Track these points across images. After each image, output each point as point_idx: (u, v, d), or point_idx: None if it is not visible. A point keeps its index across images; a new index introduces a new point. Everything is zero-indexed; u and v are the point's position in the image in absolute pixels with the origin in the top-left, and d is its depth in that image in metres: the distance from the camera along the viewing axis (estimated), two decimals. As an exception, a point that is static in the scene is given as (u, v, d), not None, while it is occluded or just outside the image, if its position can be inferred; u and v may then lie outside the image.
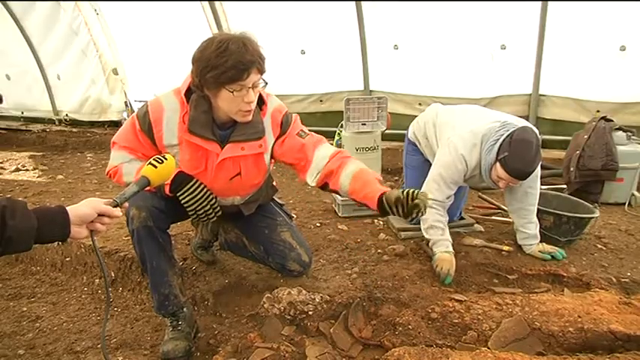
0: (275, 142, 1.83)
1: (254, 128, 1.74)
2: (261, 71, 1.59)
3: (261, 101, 1.75)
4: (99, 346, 1.84)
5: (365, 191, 1.67)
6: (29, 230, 1.06)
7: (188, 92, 1.68)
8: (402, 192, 1.54)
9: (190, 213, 1.76)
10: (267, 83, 1.67)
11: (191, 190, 1.71)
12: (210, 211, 1.77)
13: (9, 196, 3.90)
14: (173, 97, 1.71)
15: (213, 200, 1.77)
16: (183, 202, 1.72)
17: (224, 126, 1.73)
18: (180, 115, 1.68)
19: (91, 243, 1.21)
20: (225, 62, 1.48)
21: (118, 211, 1.22)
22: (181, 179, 1.70)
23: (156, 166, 1.33)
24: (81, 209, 1.16)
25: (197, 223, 2.38)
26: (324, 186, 1.83)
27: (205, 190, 1.74)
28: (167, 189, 1.70)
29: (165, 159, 1.36)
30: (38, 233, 1.07)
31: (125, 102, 6.29)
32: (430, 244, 2.26)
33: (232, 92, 1.55)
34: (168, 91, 1.74)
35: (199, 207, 1.74)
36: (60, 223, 1.11)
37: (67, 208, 1.14)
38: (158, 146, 1.73)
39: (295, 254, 2.02)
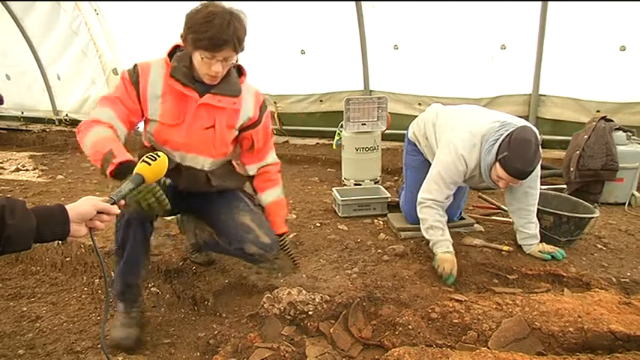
0: (252, 125, 2.00)
1: (231, 87, 1.89)
2: (236, 50, 1.73)
3: (239, 72, 1.95)
4: (99, 346, 1.84)
5: (272, 217, 2.15)
6: (29, 229, 1.06)
7: (171, 53, 1.83)
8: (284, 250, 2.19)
9: (133, 203, 1.58)
10: (237, 60, 1.84)
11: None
12: (154, 201, 1.58)
13: (9, 195, 3.90)
14: (160, 59, 1.86)
15: (159, 191, 1.59)
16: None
17: (201, 81, 1.82)
18: (165, 71, 1.81)
19: (90, 243, 1.22)
20: (205, 32, 1.63)
21: (115, 209, 1.22)
22: (129, 166, 1.56)
23: (149, 164, 1.35)
24: (80, 207, 1.16)
25: (184, 229, 2.43)
26: (252, 179, 2.15)
27: (154, 184, 1.57)
28: (109, 171, 1.58)
29: (159, 156, 1.37)
30: (38, 232, 1.08)
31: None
32: (430, 244, 2.26)
33: (202, 58, 1.70)
34: (155, 58, 1.89)
35: (142, 197, 1.55)
36: (60, 222, 1.12)
37: (67, 206, 1.14)
38: (141, 99, 1.81)
39: (253, 236, 1.97)
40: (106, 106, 1.78)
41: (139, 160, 1.37)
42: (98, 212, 1.19)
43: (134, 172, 1.35)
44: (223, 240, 2.06)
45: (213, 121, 1.88)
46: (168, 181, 1.71)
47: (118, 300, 1.91)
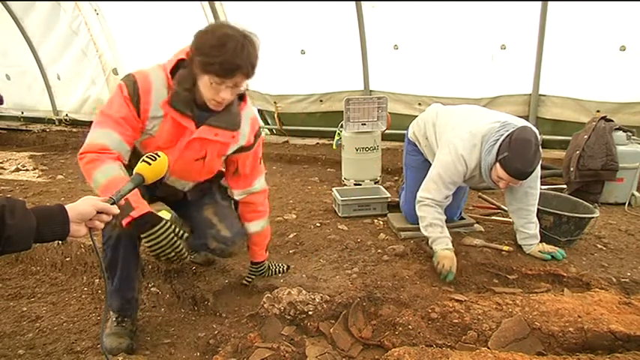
0: (243, 148, 1.90)
1: (232, 119, 1.79)
2: (248, 76, 1.63)
3: (241, 97, 1.82)
4: (99, 346, 1.83)
5: (255, 247, 2.12)
6: (29, 229, 1.06)
7: (173, 70, 1.68)
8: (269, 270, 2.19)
9: (152, 254, 1.65)
10: (247, 89, 1.75)
11: (158, 233, 1.59)
12: (174, 255, 1.65)
13: (9, 196, 3.90)
14: (159, 71, 1.70)
15: (179, 246, 1.64)
16: (146, 243, 1.62)
17: (204, 106, 1.70)
18: (167, 88, 1.68)
19: (90, 243, 1.22)
20: (217, 56, 1.52)
21: (115, 209, 1.22)
22: (148, 219, 1.59)
23: (150, 163, 1.33)
24: (80, 207, 1.16)
25: None
26: (236, 202, 2.05)
27: (171, 235, 1.62)
28: (125, 222, 1.56)
29: (159, 156, 1.35)
30: (38, 232, 1.08)
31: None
32: (430, 241, 2.26)
33: (211, 83, 1.59)
34: (153, 66, 1.73)
35: (162, 252, 1.62)
36: (59, 222, 1.12)
37: (66, 206, 1.14)
38: (141, 117, 1.68)
39: (214, 231, 1.92)
40: (110, 128, 1.64)
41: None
42: (98, 212, 1.18)
43: (134, 171, 1.33)
44: (194, 236, 1.98)
45: (204, 153, 1.80)
46: (186, 234, 1.69)
47: (114, 312, 1.87)
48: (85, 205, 1.17)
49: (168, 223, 1.63)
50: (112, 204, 1.21)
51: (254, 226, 2.07)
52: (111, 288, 1.81)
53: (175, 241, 1.62)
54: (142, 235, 1.61)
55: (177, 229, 1.65)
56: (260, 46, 1.61)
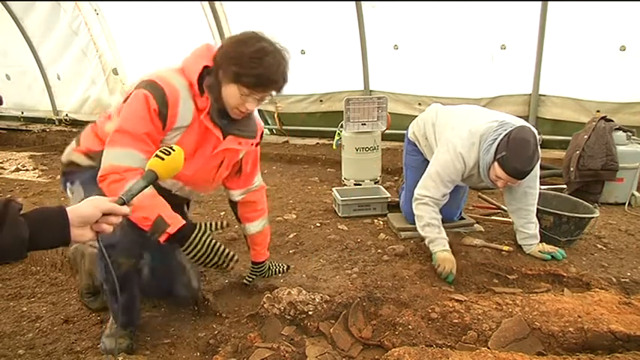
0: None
1: (252, 127, 1.80)
2: (278, 91, 1.62)
3: None
4: (99, 346, 1.84)
5: (257, 247, 2.10)
6: (20, 241, 0.97)
7: (199, 77, 1.61)
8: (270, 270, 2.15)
9: (198, 264, 1.62)
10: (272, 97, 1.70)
11: (195, 242, 1.56)
12: (219, 260, 1.60)
13: (9, 196, 3.90)
14: (180, 79, 1.61)
15: (221, 248, 1.61)
16: (187, 254, 1.57)
17: (224, 113, 1.66)
18: (192, 99, 1.60)
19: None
20: (254, 69, 1.50)
21: (125, 209, 1.10)
22: (185, 232, 1.54)
23: (163, 159, 1.17)
24: (82, 209, 1.05)
25: (76, 268, 2.23)
26: (235, 204, 2.03)
27: (209, 239, 1.59)
28: (163, 239, 1.52)
29: (173, 150, 1.20)
30: (33, 240, 0.98)
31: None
32: (427, 241, 2.26)
33: (241, 93, 1.56)
34: (170, 71, 1.63)
35: (206, 259, 1.57)
36: (58, 226, 1.02)
37: (68, 208, 1.04)
38: (166, 130, 1.59)
39: (186, 278, 1.89)
40: (132, 148, 1.53)
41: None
42: (105, 214, 1.07)
43: (146, 168, 1.19)
44: (149, 274, 1.84)
45: (221, 161, 1.78)
46: (225, 225, 1.68)
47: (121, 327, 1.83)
48: (87, 207, 1.05)
49: (204, 228, 1.58)
50: (121, 204, 1.10)
51: (255, 226, 2.06)
52: (115, 307, 1.76)
53: (215, 244, 1.59)
54: (182, 249, 1.56)
55: (213, 228, 1.62)
56: (291, 61, 1.60)
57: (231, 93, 1.56)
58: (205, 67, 1.60)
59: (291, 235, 2.71)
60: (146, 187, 1.17)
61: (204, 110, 1.60)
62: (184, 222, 1.55)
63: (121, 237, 1.47)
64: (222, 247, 1.61)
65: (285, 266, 2.25)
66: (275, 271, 2.21)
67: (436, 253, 2.19)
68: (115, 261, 1.49)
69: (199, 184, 1.82)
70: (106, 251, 1.15)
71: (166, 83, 1.56)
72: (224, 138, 1.69)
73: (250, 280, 2.15)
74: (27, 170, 4.83)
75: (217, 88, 1.59)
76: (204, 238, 1.57)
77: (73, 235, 1.03)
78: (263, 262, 2.15)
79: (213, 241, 1.59)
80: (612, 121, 3.28)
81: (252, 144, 1.81)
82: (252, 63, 1.49)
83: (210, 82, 1.60)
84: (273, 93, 1.63)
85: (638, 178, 3.18)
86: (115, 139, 1.54)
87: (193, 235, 1.55)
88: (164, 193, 1.64)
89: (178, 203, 1.83)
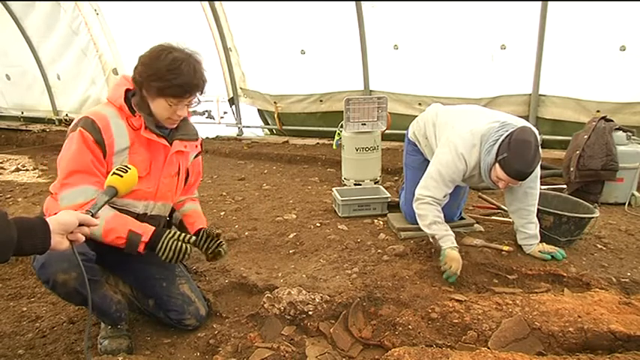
0: (196, 156, 1.99)
1: (192, 130, 1.92)
2: (202, 93, 1.73)
3: None
4: (99, 346, 1.83)
5: (196, 220, 2.05)
6: (9, 242, 1.03)
7: (126, 100, 1.73)
8: (215, 237, 1.98)
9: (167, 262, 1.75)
10: (199, 102, 1.78)
11: (166, 244, 1.70)
12: (183, 258, 1.75)
13: (9, 196, 3.91)
14: (107, 108, 1.72)
15: (187, 249, 1.74)
16: (160, 255, 1.71)
17: (161, 125, 1.78)
18: (124, 121, 1.70)
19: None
20: (174, 79, 1.60)
21: (96, 220, 1.26)
22: (157, 236, 1.70)
23: (122, 176, 1.40)
24: (63, 218, 1.16)
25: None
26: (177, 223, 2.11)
27: (177, 241, 1.72)
28: (141, 249, 1.66)
29: (129, 168, 1.43)
30: (18, 245, 1.04)
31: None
32: (436, 238, 2.24)
33: (170, 104, 1.67)
34: (96, 107, 1.77)
35: (174, 258, 1.72)
36: (41, 234, 1.10)
37: (48, 218, 1.13)
38: (107, 157, 1.66)
39: (194, 308, 1.94)
40: (82, 184, 1.62)
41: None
42: (79, 224, 1.18)
43: (106, 184, 1.40)
44: (148, 305, 1.96)
45: (178, 167, 1.87)
46: (193, 238, 1.78)
47: (109, 324, 1.85)
48: (67, 216, 1.17)
49: (173, 231, 1.74)
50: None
51: (190, 206, 2.08)
52: (93, 313, 1.74)
53: (182, 245, 1.72)
54: (156, 252, 1.70)
55: (179, 234, 1.75)
56: (204, 62, 1.71)
57: (160, 106, 1.68)
58: (127, 90, 1.73)
59: (291, 235, 2.72)
60: (108, 200, 1.37)
61: (141, 127, 1.70)
62: (154, 228, 1.71)
63: (47, 256, 1.48)
64: (187, 247, 1.74)
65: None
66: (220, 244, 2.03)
67: (446, 250, 2.18)
68: (55, 280, 1.55)
69: (167, 196, 1.89)
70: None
71: (93, 113, 1.68)
72: (170, 144, 1.80)
73: (219, 250, 1.98)
74: (27, 170, 4.83)
75: (146, 105, 1.71)
76: (172, 240, 1.71)
77: (53, 241, 1.12)
78: (202, 228, 2.02)
79: (181, 243, 1.72)
80: (612, 121, 3.28)
81: (196, 146, 1.93)
82: (171, 75, 1.60)
83: (137, 101, 1.72)
84: (199, 95, 1.73)
85: (638, 178, 3.18)
86: (65, 183, 1.64)
87: (163, 239, 1.70)
88: (143, 219, 1.78)
89: (158, 224, 1.89)
